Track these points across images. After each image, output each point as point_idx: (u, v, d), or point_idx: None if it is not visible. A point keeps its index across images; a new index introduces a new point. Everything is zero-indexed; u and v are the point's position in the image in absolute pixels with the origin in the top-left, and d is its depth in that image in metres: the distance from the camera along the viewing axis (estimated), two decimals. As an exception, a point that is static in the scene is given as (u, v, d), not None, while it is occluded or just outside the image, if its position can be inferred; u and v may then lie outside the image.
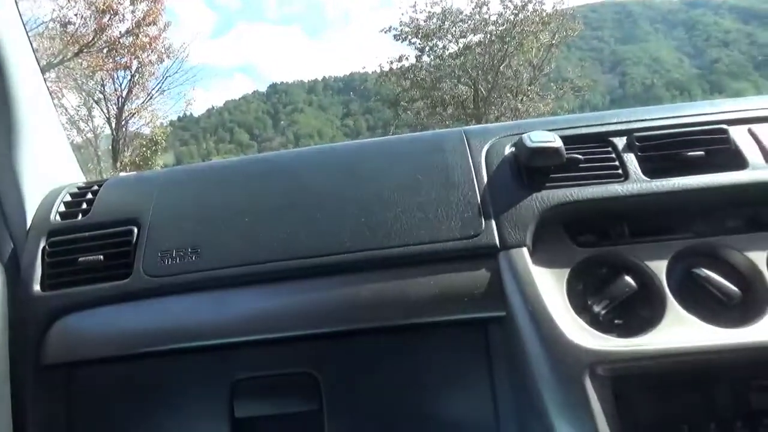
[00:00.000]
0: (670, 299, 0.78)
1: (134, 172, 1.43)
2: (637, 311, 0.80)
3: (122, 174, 1.20)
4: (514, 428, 0.83)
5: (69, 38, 13.11)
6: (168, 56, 15.51)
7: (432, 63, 18.62)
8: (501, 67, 17.89)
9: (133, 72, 14.84)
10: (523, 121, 1.05)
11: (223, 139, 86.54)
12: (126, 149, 15.29)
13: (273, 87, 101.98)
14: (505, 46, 17.50)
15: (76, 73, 13.57)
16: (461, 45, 18.49)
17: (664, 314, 0.77)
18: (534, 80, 18.57)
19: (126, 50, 14.35)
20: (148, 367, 0.89)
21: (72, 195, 1.04)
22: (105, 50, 14.02)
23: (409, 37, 18.26)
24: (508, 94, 17.97)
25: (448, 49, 18.64)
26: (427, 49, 18.67)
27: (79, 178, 1.16)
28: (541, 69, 18.72)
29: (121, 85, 14.94)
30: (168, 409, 0.90)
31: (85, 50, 13.37)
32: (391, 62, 19.20)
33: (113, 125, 15.04)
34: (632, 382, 0.74)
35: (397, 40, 18.31)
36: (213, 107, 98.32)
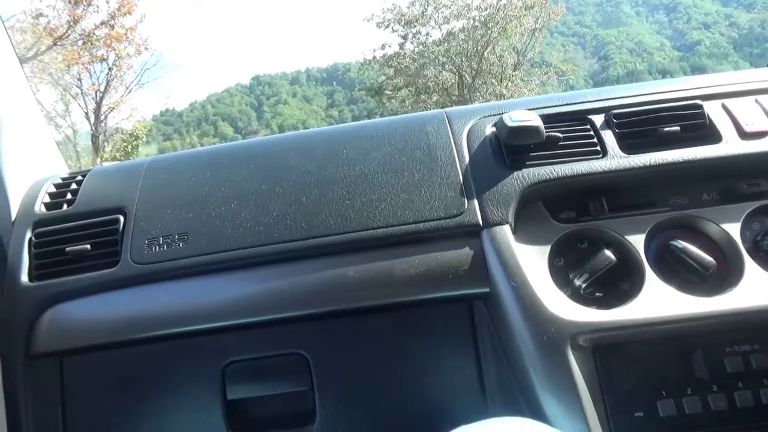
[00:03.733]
0: (649, 271, 0.81)
1: (118, 162, 1.54)
2: (616, 284, 0.83)
3: (106, 163, 1.26)
4: (499, 401, 0.85)
5: (42, 31, 12.69)
6: (146, 48, 15.12)
7: (415, 50, 18.40)
8: (485, 53, 17.71)
9: (110, 65, 14.42)
10: (504, 101, 1.07)
11: (207, 132, 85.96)
12: (106, 145, 14.91)
13: (256, 79, 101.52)
14: (489, 32, 17.35)
15: (52, 68, 13.16)
16: (444, 31, 18.23)
17: (642, 286, 0.80)
18: (518, 65, 18.43)
19: (102, 42, 13.92)
20: (140, 354, 0.90)
21: (56, 186, 1.04)
22: (80, 43, 13.60)
23: (392, 24, 17.99)
24: (493, 80, 17.84)
25: (431, 36, 18.38)
26: (410, 36, 18.42)
27: (63, 170, 1.16)
28: (525, 54, 18.57)
29: (98, 79, 14.53)
30: (160, 394, 0.91)
31: (58, 43, 12.95)
32: (374, 50, 18.87)
33: (92, 120, 14.65)
34: (613, 351, 0.77)
35: (379, 27, 18.04)
36: (196, 101, 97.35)
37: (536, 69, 19.76)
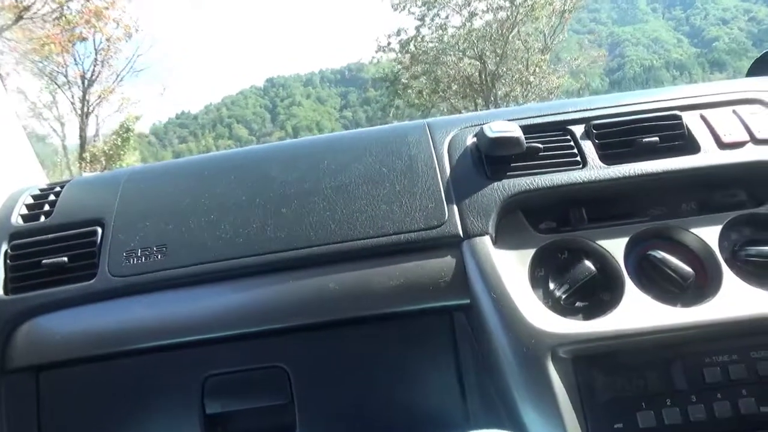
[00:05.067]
0: (628, 281, 0.83)
1: (97, 173, 1.45)
2: (597, 294, 0.85)
3: (85, 174, 1.27)
4: (480, 413, 0.87)
5: (3, 3, 11.00)
6: (137, 30, 13.45)
7: (434, 35, 16.66)
8: (510, 36, 15.90)
9: (96, 47, 12.77)
10: (484, 112, 1.10)
11: (222, 135, 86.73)
12: (95, 138, 13.26)
13: (270, 81, 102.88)
14: (515, 12, 15.58)
15: (26, 47, 11.50)
16: (466, 13, 16.45)
17: (622, 296, 0.82)
18: (546, 49, 16.59)
19: (79, 17, 12.20)
20: (117, 367, 0.91)
21: (34, 197, 1.06)
22: (53, 18, 11.88)
23: (409, 5, 16.23)
24: (519, 66, 16.09)
25: (451, 20, 16.64)
26: (427, 19, 16.68)
27: (42, 180, 1.18)
28: (554, 38, 16.76)
29: (81, 64, 12.88)
30: (138, 408, 0.92)
31: (25, 16, 11.26)
32: (389, 36, 17.19)
33: (78, 110, 13.03)
34: (593, 362, 0.79)
35: (395, 10, 16.41)
36: (210, 103, 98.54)
37: (565, 54, 17.87)
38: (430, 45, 16.95)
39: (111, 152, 12.89)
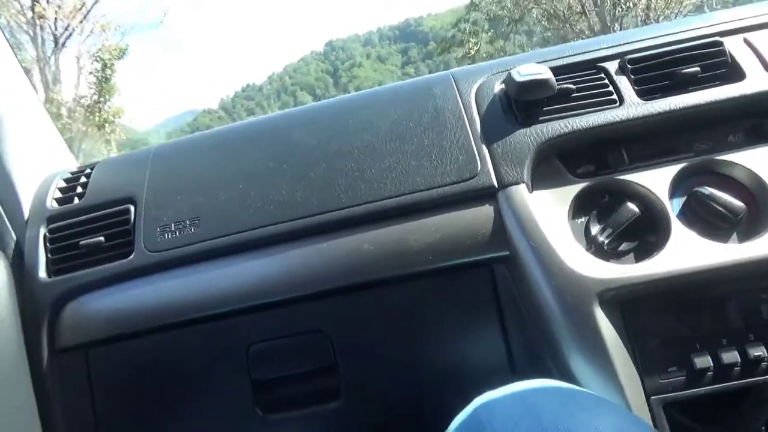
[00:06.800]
0: (675, 221, 0.81)
1: (124, 152, 1.39)
2: (642, 236, 0.83)
3: (113, 155, 1.17)
4: (528, 366, 0.87)
5: None
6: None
7: None
8: None
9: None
10: (510, 57, 1.05)
11: (287, 103, 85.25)
12: (78, 86, 9.77)
13: (329, 44, 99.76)
14: None
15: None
16: None
17: (669, 237, 0.79)
18: None
19: None
20: (162, 341, 0.93)
21: (66, 180, 1.07)
22: None
23: None
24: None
25: None
26: None
27: (71, 164, 1.20)
28: None
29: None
30: (187, 379, 0.95)
31: None
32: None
33: (37, 42, 9.57)
34: (641, 306, 0.77)
35: None
36: (273, 73, 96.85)
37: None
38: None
39: (92, 102, 9.60)
